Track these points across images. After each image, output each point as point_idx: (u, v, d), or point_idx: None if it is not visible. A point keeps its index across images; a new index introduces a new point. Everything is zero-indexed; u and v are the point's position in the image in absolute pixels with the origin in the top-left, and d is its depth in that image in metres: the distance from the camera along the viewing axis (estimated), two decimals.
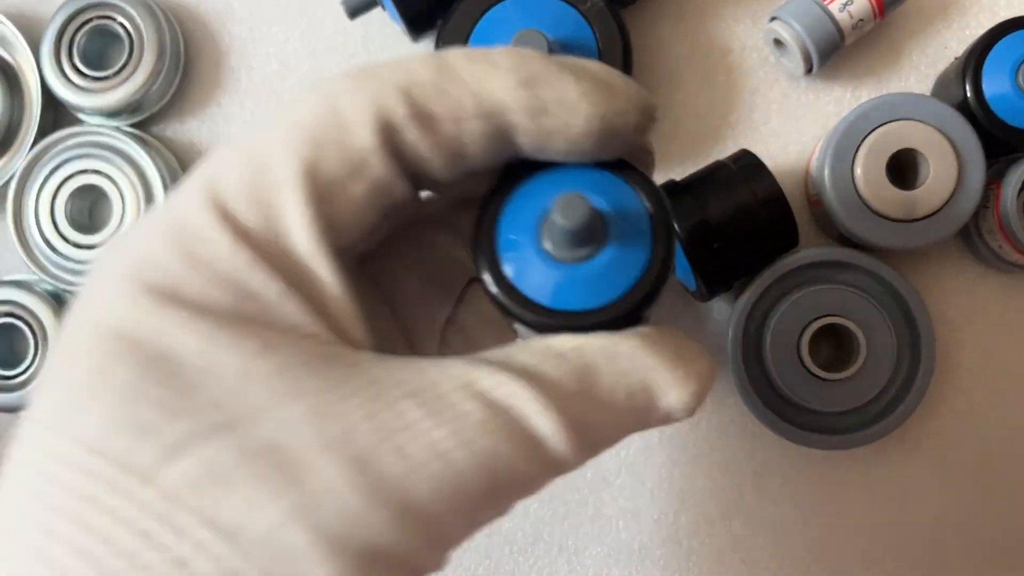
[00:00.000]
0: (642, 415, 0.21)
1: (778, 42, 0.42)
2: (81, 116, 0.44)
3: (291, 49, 0.45)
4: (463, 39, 0.40)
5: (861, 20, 0.41)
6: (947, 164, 0.38)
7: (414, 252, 0.27)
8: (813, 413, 0.40)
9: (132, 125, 0.44)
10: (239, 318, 0.20)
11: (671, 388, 0.21)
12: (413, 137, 0.21)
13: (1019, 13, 0.39)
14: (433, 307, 0.28)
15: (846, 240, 0.41)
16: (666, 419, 0.22)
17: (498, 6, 0.40)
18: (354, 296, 0.21)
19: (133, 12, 0.43)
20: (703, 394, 0.22)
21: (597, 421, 0.21)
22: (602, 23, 0.40)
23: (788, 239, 0.39)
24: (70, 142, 0.43)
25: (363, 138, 0.20)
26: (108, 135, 0.43)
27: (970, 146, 0.38)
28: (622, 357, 0.21)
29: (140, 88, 0.42)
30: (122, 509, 0.18)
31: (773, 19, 0.42)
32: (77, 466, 0.18)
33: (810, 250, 0.40)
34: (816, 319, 0.39)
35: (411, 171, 0.22)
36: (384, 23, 0.44)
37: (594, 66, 0.22)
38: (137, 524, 0.18)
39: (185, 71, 0.45)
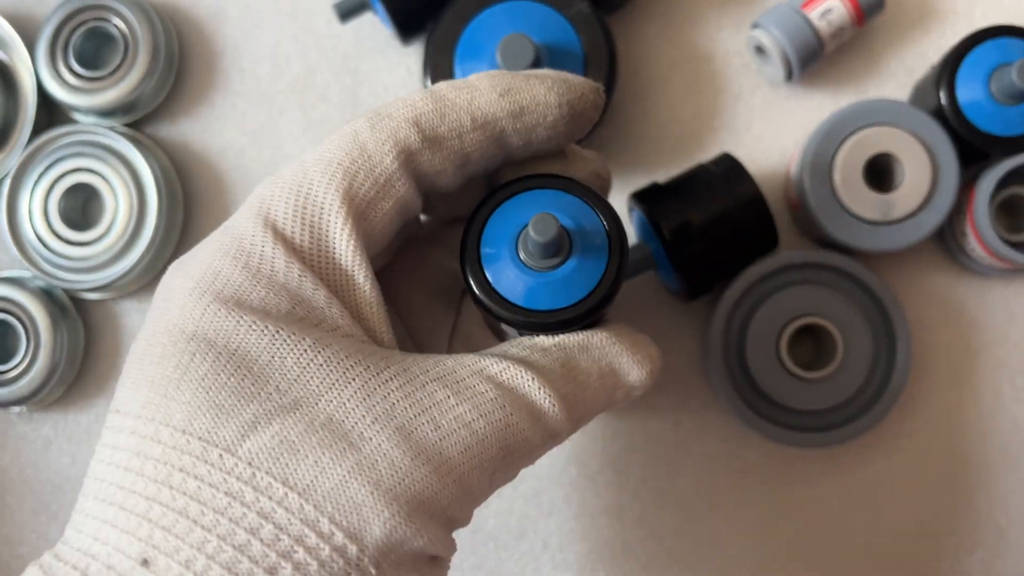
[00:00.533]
0: (611, 391, 0.27)
1: (759, 49, 0.43)
2: (75, 115, 0.45)
3: (283, 51, 0.46)
4: (452, 43, 0.41)
5: (841, 28, 0.42)
6: (922, 168, 0.39)
7: (416, 268, 0.32)
8: (792, 412, 0.41)
9: (126, 125, 0.45)
10: (294, 319, 0.24)
11: (632, 368, 0.27)
12: (428, 157, 0.26)
13: (995, 22, 0.40)
14: (437, 317, 0.33)
15: (825, 242, 0.42)
16: (629, 394, 0.28)
17: (486, 11, 0.41)
18: (383, 303, 0.26)
19: (128, 13, 0.43)
20: (656, 372, 0.28)
21: (579, 397, 0.26)
22: (588, 28, 0.41)
23: (768, 241, 0.40)
24: (64, 141, 0.43)
25: (387, 165, 0.25)
26: (102, 134, 0.43)
27: (945, 151, 0.40)
28: (593, 348, 0.27)
29: (134, 88, 0.43)
30: (211, 475, 0.22)
31: (754, 26, 0.43)
32: (169, 444, 0.22)
33: (790, 252, 0.41)
34: (795, 319, 0.40)
35: (424, 187, 0.27)
36: (375, 26, 0.45)
37: (549, 71, 0.28)
38: (225, 486, 0.22)
39: (179, 72, 0.46)
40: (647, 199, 0.40)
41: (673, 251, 0.39)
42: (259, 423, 0.22)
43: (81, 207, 0.45)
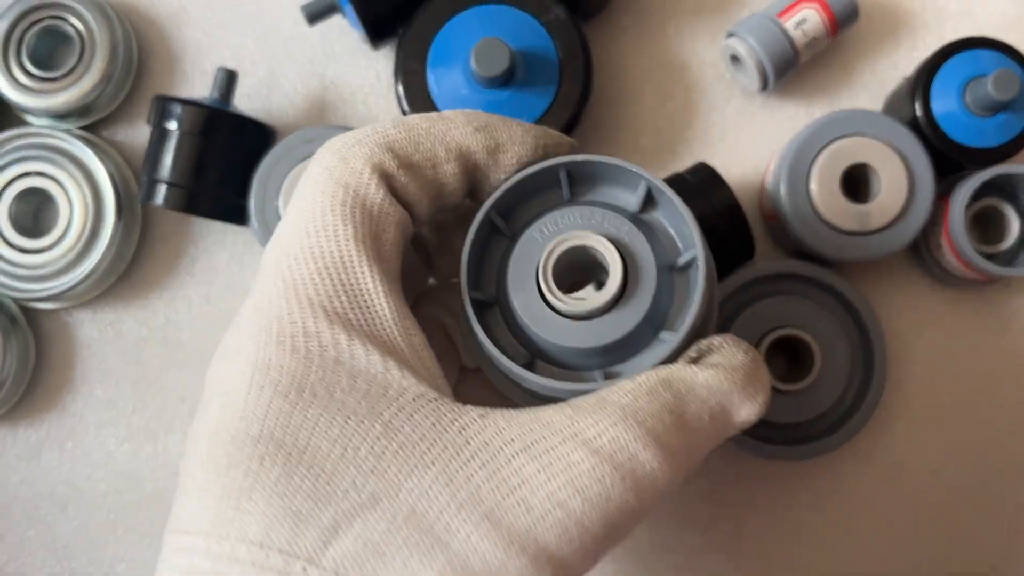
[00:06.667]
0: (722, 431, 0.25)
1: (735, 58, 0.43)
2: (28, 117, 0.43)
3: (247, 54, 0.44)
4: (425, 47, 0.40)
5: (815, 38, 0.41)
6: (898, 179, 0.39)
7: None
8: (769, 425, 0.40)
9: (81, 128, 0.43)
10: (358, 397, 0.22)
11: (743, 405, 0.25)
12: (403, 183, 0.25)
13: (967, 34, 0.40)
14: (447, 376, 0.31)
15: (800, 253, 0.41)
16: (740, 429, 0.26)
17: (460, 15, 0.40)
18: (428, 344, 0.24)
19: (86, 13, 0.42)
20: (767, 403, 0.26)
21: (689, 447, 0.24)
22: (564, 35, 0.40)
23: (745, 251, 0.40)
24: (16, 144, 0.41)
25: (373, 193, 0.24)
26: (55, 137, 0.41)
27: (920, 162, 0.39)
28: (699, 387, 0.24)
29: (90, 90, 0.41)
30: None
31: (730, 35, 0.42)
32: (248, 561, 0.20)
33: (766, 263, 0.40)
34: (771, 331, 0.40)
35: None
36: (343, 30, 0.44)
37: (523, 121, 0.28)
38: None
39: (138, 74, 0.44)
40: None
41: None
42: (340, 526, 0.21)
43: (33, 213, 0.43)
